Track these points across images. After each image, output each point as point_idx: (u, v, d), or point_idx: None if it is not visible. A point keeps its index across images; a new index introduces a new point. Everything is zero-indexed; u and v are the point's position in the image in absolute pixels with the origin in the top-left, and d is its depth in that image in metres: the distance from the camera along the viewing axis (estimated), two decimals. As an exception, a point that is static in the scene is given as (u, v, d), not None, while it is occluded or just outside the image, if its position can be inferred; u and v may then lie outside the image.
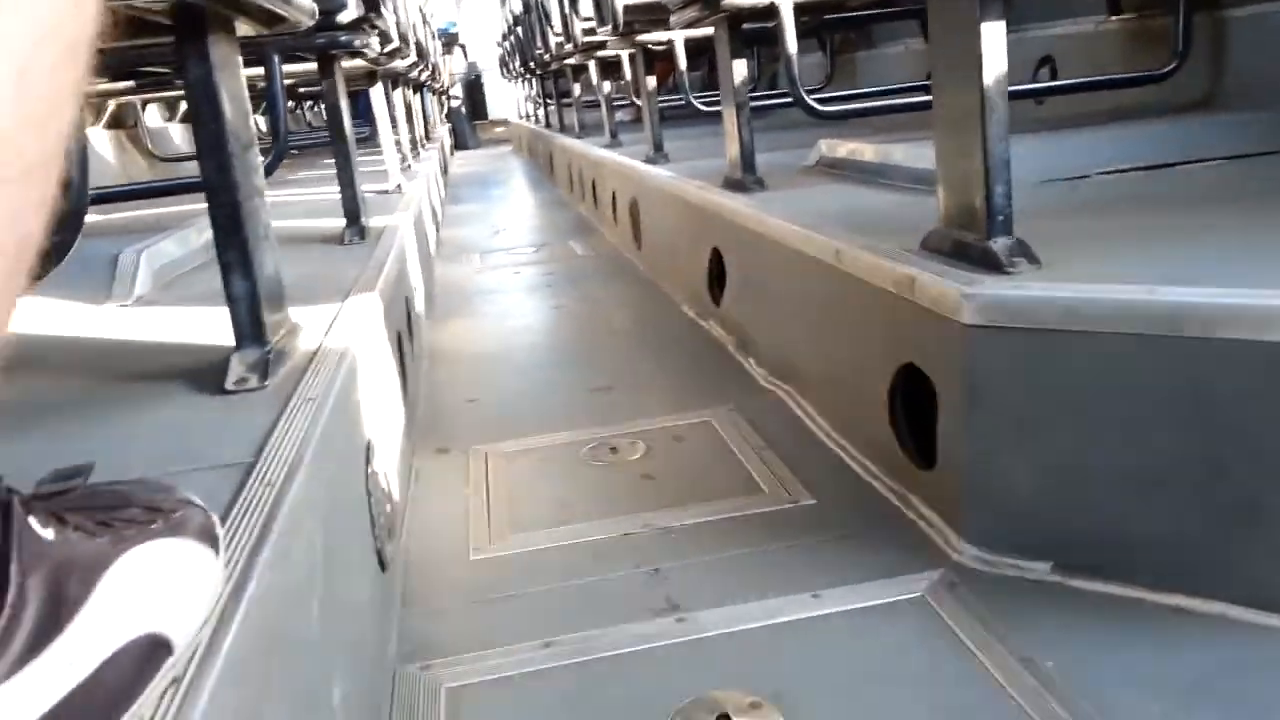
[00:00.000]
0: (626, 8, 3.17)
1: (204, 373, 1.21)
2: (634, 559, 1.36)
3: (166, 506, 0.66)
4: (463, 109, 12.73)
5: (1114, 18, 2.71)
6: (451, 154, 11.02)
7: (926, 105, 1.45)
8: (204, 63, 1.05)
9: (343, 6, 1.84)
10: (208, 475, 0.90)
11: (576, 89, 6.05)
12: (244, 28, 1.24)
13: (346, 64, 2.62)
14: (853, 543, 1.35)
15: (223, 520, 0.77)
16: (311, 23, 1.26)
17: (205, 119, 1.07)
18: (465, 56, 13.36)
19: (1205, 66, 2.37)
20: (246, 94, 1.18)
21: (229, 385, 1.12)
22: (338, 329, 1.38)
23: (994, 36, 1.24)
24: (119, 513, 0.64)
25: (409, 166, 4.58)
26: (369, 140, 3.89)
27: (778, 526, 1.41)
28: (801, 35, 4.38)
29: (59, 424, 1.13)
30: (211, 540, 0.66)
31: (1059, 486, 1.16)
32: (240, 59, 1.17)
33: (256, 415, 1.04)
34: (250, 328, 1.15)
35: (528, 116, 10.36)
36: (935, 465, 1.32)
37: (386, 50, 2.82)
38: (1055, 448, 1.15)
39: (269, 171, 1.88)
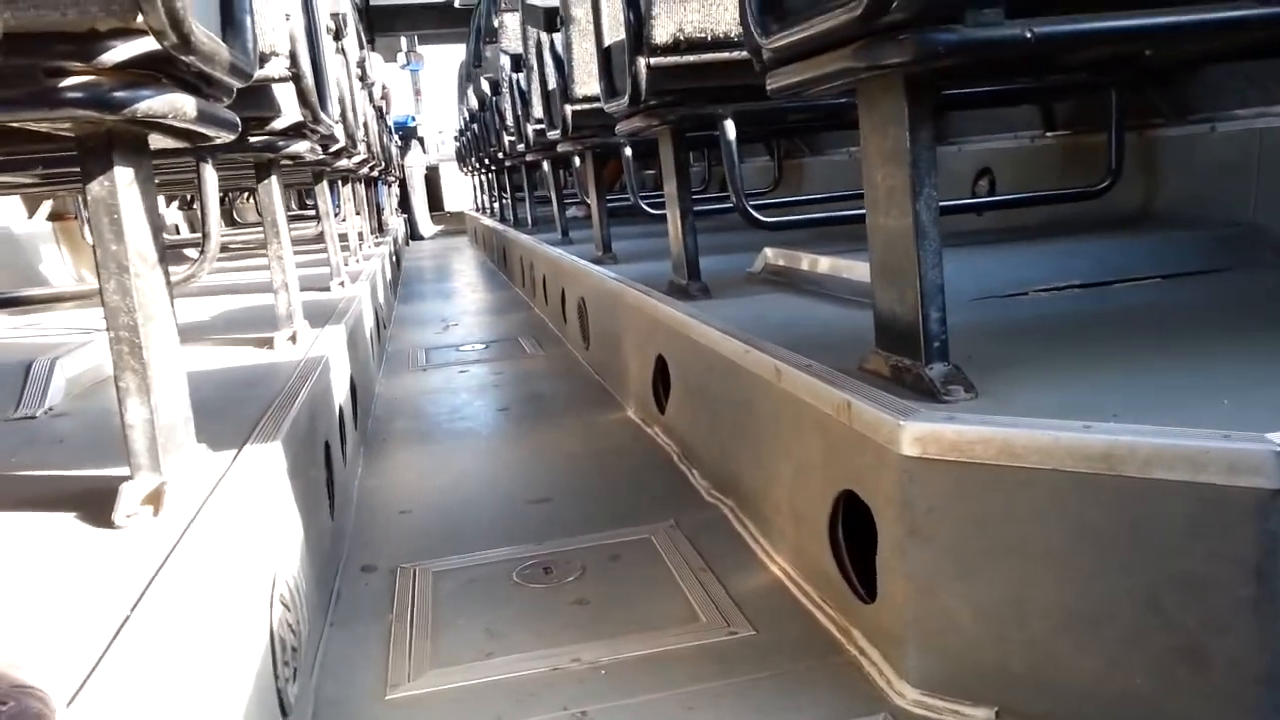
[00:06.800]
0: (575, 113, 3.20)
1: (97, 501, 1.13)
2: (561, 699, 1.27)
3: (-3, 695, 0.58)
4: (419, 201, 12.82)
5: (1049, 134, 2.79)
6: (406, 245, 11.03)
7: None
8: (108, 182, 1.00)
9: (278, 113, 1.81)
10: (74, 633, 0.81)
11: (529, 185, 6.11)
12: (161, 141, 1.19)
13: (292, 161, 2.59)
14: (791, 680, 1.28)
15: (73, 699, 0.69)
16: (233, 137, 1.22)
17: (106, 238, 1.01)
18: (423, 149, 13.53)
19: (1138, 183, 2.43)
20: (157, 207, 1.13)
21: (118, 520, 1.04)
22: (249, 453, 1.31)
23: (925, 161, 1.23)
24: (-62, 706, 0.56)
25: (358, 261, 4.54)
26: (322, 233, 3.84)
27: (714, 662, 1.34)
28: (748, 141, 4.47)
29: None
30: (47, 735, 0.59)
31: (1000, 626, 1.11)
32: (151, 172, 1.12)
33: (143, 555, 0.96)
34: (146, 456, 1.07)
35: (483, 209, 10.44)
36: (876, 598, 1.27)
37: (332, 150, 2.80)
38: (995, 585, 1.11)
39: (194, 276, 1.83)
